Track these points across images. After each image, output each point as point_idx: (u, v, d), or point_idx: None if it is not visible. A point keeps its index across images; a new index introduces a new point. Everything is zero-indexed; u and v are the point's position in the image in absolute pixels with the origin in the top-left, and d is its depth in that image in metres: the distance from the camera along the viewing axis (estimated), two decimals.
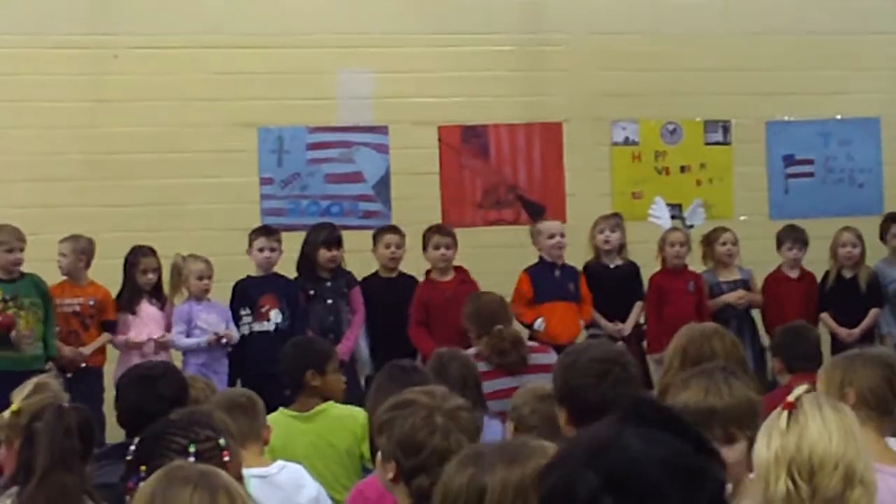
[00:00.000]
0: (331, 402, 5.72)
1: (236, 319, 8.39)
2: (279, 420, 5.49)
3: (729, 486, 3.35)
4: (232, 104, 9.44)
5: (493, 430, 5.31)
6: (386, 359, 5.59)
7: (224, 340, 8.24)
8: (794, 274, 9.31)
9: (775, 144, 10.46)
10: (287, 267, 8.65)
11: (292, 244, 8.66)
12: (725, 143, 10.40)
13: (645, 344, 8.92)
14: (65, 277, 8.35)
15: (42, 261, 8.28)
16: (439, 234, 8.78)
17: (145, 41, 9.32)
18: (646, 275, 9.11)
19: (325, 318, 8.49)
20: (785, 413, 2.78)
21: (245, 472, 3.36)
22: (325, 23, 9.66)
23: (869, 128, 10.56)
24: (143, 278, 8.37)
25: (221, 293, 8.47)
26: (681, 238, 9.12)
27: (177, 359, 8.09)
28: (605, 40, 10.08)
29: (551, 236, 8.89)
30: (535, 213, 9.80)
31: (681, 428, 2.06)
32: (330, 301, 8.56)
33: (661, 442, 2.00)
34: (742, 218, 10.18)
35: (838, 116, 10.54)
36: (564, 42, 10.13)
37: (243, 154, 9.54)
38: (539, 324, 8.51)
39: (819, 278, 9.32)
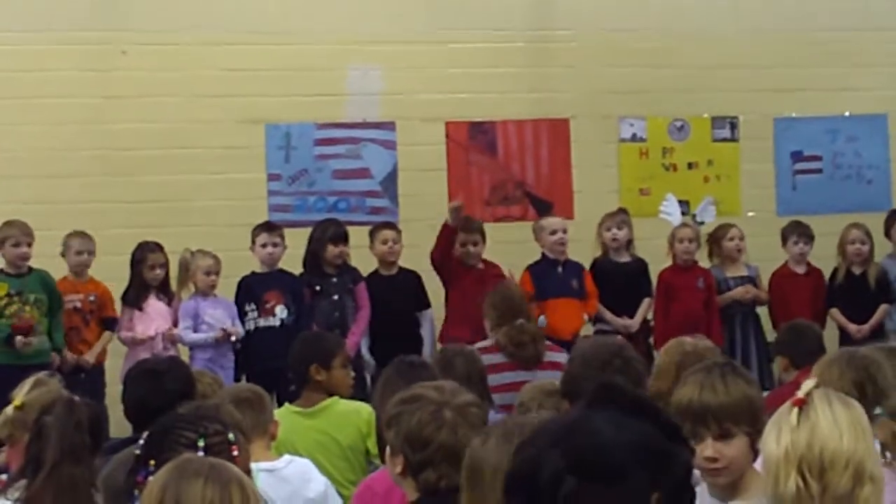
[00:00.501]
0: (335, 398, 5.67)
1: (241, 315, 8.40)
2: (283, 416, 5.47)
3: (725, 480, 3.36)
4: (239, 100, 9.44)
5: None
6: (386, 356, 5.57)
7: (233, 338, 8.25)
8: (800, 270, 9.30)
9: (783, 141, 10.44)
10: (294, 263, 8.65)
11: (300, 240, 8.66)
12: (733, 139, 10.38)
13: (652, 340, 8.92)
14: (69, 273, 8.36)
15: (49, 256, 8.30)
16: (465, 231, 8.73)
17: (153, 38, 9.32)
18: (654, 271, 9.10)
19: (331, 314, 8.49)
20: (795, 409, 2.77)
21: (253, 465, 3.36)
22: (333, 19, 9.66)
23: (877, 124, 10.54)
24: (150, 274, 8.37)
25: (229, 289, 8.48)
26: (690, 234, 9.11)
27: (184, 354, 8.10)
28: (613, 37, 10.07)
29: (553, 232, 8.88)
30: (543, 209, 9.78)
31: (649, 412, 2.09)
32: (336, 297, 8.55)
33: (629, 425, 2.06)
34: (750, 214, 10.16)
35: (846, 113, 10.52)
36: (572, 38, 10.12)
37: (251, 150, 9.54)
38: (541, 321, 8.50)
39: (827, 275, 9.32)
